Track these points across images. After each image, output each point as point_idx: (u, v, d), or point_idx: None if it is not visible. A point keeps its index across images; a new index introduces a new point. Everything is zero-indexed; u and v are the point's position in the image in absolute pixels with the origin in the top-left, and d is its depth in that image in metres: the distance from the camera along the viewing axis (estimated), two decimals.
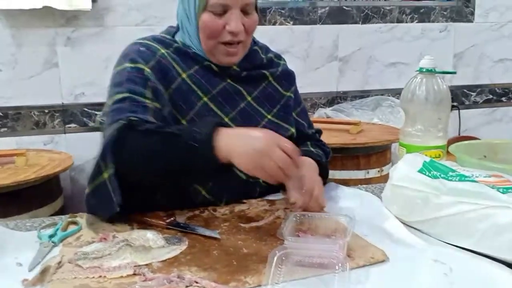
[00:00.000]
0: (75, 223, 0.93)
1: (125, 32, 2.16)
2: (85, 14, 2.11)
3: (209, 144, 0.82)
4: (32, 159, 1.84)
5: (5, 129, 2.14)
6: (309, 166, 0.99)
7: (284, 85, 1.16)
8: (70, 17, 2.12)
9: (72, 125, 2.19)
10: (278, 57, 1.20)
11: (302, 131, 1.17)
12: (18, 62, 2.11)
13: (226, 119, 1.04)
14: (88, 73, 2.12)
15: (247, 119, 1.07)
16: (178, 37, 1.08)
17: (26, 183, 1.61)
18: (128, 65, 0.99)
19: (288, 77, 1.18)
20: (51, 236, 0.86)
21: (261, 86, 1.12)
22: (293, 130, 1.13)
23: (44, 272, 0.73)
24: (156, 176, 0.90)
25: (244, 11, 0.98)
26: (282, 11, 2.41)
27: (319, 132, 1.25)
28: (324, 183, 1.10)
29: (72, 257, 0.78)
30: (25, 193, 1.65)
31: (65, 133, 2.19)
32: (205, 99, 1.03)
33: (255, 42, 1.15)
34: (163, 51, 1.03)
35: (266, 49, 1.18)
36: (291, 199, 0.91)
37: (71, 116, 2.18)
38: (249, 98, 1.09)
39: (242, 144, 0.81)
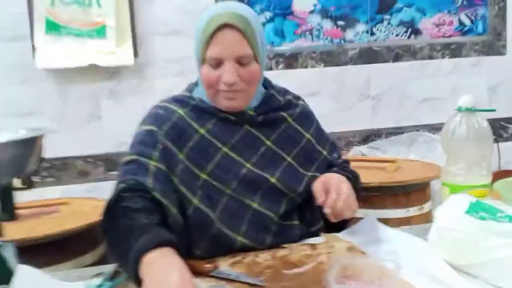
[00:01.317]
0: (120, 272, 0.95)
1: (164, 83, 2.25)
2: (127, 68, 2.23)
3: (134, 270, 0.80)
4: (76, 207, 1.89)
5: (51, 179, 2.23)
6: (336, 176, 1.04)
7: (304, 126, 1.17)
8: (113, 72, 2.23)
9: (115, 172, 2.26)
10: (297, 98, 1.22)
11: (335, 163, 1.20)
12: (64, 116, 2.22)
13: (249, 165, 1.07)
14: (130, 123, 2.18)
15: (268, 163, 1.09)
16: (196, 93, 1.14)
17: (71, 231, 1.66)
18: (143, 128, 1.07)
19: (308, 117, 1.20)
20: (99, 286, 0.88)
21: (280, 129, 1.13)
22: (309, 174, 1.13)
23: None
24: (108, 244, 0.94)
25: (240, 63, 1.03)
26: (313, 54, 2.46)
27: (346, 162, 1.25)
28: (358, 198, 1.10)
29: None
30: (70, 241, 1.69)
31: (107, 180, 2.26)
32: (225, 149, 1.06)
33: (272, 87, 1.17)
34: (180, 111, 1.09)
35: (284, 92, 1.20)
36: (319, 200, 0.92)
37: (114, 165, 2.26)
38: (268, 142, 1.11)
39: (156, 280, 0.76)
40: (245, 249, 1.02)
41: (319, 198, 0.93)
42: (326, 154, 1.19)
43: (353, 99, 2.54)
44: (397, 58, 2.57)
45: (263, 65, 1.08)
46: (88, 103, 2.24)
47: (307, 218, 1.12)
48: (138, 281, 0.80)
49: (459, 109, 1.08)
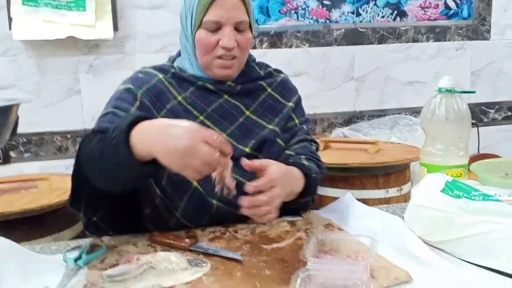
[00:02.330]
0: (99, 245, 0.95)
1: (145, 59, 2.21)
2: (106, 42, 2.18)
3: (123, 140, 0.79)
4: (55, 184, 1.87)
5: (29, 154, 2.19)
6: (284, 167, 0.93)
7: (285, 96, 1.17)
8: (92, 46, 2.18)
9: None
10: (278, 71, 1.22)
11: (302, 138, 1.15)
12: (42, 90, 2.17)
13: (224, 135, 1.06)
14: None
15: (247, 133, 1.09)
16: (176, 63, 1.14)
17: (50, 207, 1.64)
18: (122, 87, 1.07)
19: (289, 89, 1.19)
20: (76, 259, 0.88)
21: (260, 98, 1.13)
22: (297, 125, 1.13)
23: None
24: (101, 176, 0.89)
25: (237, 29, 1.03)
26: (298, 34, 2.44)
27: (316, 144, 1.20)
28: (313, 200, 1.09)
29: (98, 280, 0.79)
30: (49, 216, 1.67)
31: None
32: (201, 117, 1.07)
33: (253, 60, 1.18)
34: (160, 76, 1.09)
35: (266, 66, 1.20)
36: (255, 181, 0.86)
37: None
38: (247, 112, 1.11)
39: (164, 143, 0.77)
40: (220, 212, 1.02)
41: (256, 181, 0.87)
42: (298, 123, 1.17)
43: (337, 80, 2.54)
44: (382, 40, 2.57)
45: (253, 34, 1.09)
46: (66, 77, 2.19)
47: None
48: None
49: (440, 90, 1.09)
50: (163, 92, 1.06)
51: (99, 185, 0.91)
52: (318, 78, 2.50)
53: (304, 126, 1.18)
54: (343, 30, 2.50)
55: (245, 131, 1.09)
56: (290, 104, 1.17)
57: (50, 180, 1.85)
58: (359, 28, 2.53)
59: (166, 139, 0.77)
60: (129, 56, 2.23)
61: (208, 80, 1.10)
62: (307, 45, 2.46)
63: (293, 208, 1.04)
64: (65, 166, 2.22)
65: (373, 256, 0.77)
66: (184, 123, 0.79)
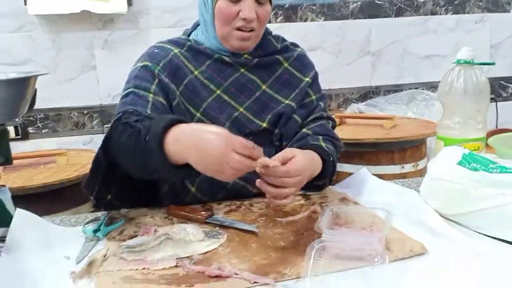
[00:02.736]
0: (117, 218, 0.96)
1: (160, 34, 2.19)
2: (121, 17, 2.17)
3: (158, 145, 0.81)
4: (73, 159, 1.90)
5: (46, 130, 2.23)
6: (306, 154, 0.95)
7: (302, 71, 1.16)
8: (107, 21, 2.18)
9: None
10: (295, 45, 1.20)
11: (319, 115, 1.14)
12: (58, 65, 2.19)
13: (241, 109, 1.07)
14: (124, 74, 2.16)
15: (263, 107, 1.09)
16: (192, 36, 1.13)
17: (68, 181, 1.67)
18: (139, 64, 1.06)
19: (306, 64, 1.18)
20: (95, 231, 0.90)
21: (276, 73, 1.13)
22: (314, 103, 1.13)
23: (90, 264, 0.76)
24: (134, 169, 0.91)
25: (258, 1, 1.02)
26: (313, 7, 2.40)
27: (333, 122, 1.19)
28: (330, 182, 1.09)
29: (117, 250, 0.81)
30: (68, 190, 1.71)
31: (103, 133, 2.25)
32: (218, 91, 1.07)
33: (269, 33, 1.17)
34: (176, 51, 1.08)
35: (282, 39, 1.19)
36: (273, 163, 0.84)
37: (109, 117, 2.25)
38: (264, 86, 1.11)
39: (196, 150, 0.80)
40: (236, 188, 1.04)
41: (271, 163, 0.85)
42: (314, 99, 1.16)
43: (353, 55, 2.51)
44: (399, 12, 2.51)
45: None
46: (82, 53, 2.20)
47: None
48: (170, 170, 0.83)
49: (458, 62, 1.06)
50: (179, 67, 1.06)
51: (132, 174, 0.93)
52: (334, 53, 2.47)
53: (321, 103, 1.17)
54: (359, 3, 2.45)
55: (261, 105, 1.09)
56: (307, 79, 1.16)
57: (68, 155, 1.88)
58: (376, 1, 2.47)
59: (199, 147, 0.80)
60: (143, 31, 2.22)
61: (225, 52, 1.09)
62: (322, 18, 2.42)
63: (308, 189, 1.05)
64: (82, 141, 2.26)
65: (388, 228, 0.77)
66: (215, 130, 0.80)
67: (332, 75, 2.47)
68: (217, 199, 1.04)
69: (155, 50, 1.08)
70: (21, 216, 0.87)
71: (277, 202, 0.90)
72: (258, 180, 0.88)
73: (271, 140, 1.10)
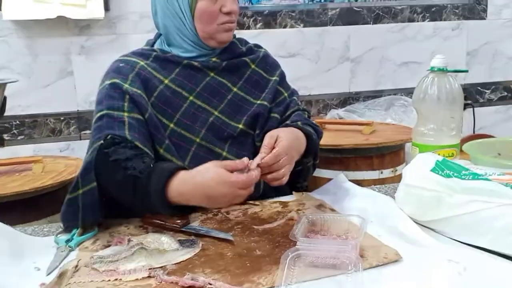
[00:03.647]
0: (90, 227, 0.95)
1: (138, 40, 2.17)
2: (98, 22, 2.15)
3: (162, 195, 0.87)
4: (49, 166, 1.86)
5: (22, 136, 2.18)
6: (287, 130, 0.99)
7: (268, 71, 1.19)
8: (84, 26, 2.16)
9: (88, 131, 2.22)
10: (258, 46, 1.24)
11: (295, 109, 1.18)
12: (34, 72, 2.15)
13: (216, 112, 1.08)
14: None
15: (237, 110, 1.10)
16: (157, 46, 1.14)
17: (43, 189, 1.64)
18: (107, 82, 1.04)
19: (271, 64, 1.21)
20: (67, 241, 0.88)
21: (245, 75, 1.15)
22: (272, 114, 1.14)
23: (61, 276, 0.75)
24: (127, 204, 0.95)
25: None
26: (292, 13, 2.41)
27: (308, 112, 1.23)
28: (314, 166, 1.14)
29: (89, 261, 0.79)
30: (43, 199, 1.67)
31: (80, 139, 2.22)
32: (191, 98, 1.08)
33: (233, 36, 1.18)
34: (142, 63, 1.08)
35: (245, 41, 1.23)
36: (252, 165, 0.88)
37: (86, 123, 2.22)
38: (234, 89, 1.13)
39: (205, 199, 0.86)
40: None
41: (261, 151, 0.91)
42: (287, 96, 1.19)
43: (333, 61, 2.52)
44: (377, 19, 2.54)
45: None
46: (58, 59, 2.16)
47: None
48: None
49: (432, 69, 1.08)
50: (148, 79, 1.05)
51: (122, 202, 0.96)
52: (313, 59, 2.48)
53: (295, 98, 1.20)
54: (338, 10, 2.47)
55: (235, 108, 1.11)
56: (274, 78, 1.19)
57: (44, 162, 1.84)
58: (354, 8, 2.50)
59: (207, 195, 0.86)
60: (121, 37, 2.20)
61: (192, 58, 1.10)
62: (301, 25, 2.44)
63: (298, 170, 1.07)
64: (58, 148, 2.22)
65: (362, 236, 0.77)
66: (214, 177, 0.84)
67: (311, 82, 2.48)
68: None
69: (120, 65, 1.07)
70: None
71: (276, 183, 0.93)
72: None
73: (252, 141, 1.11)
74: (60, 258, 0.82)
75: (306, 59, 2.46)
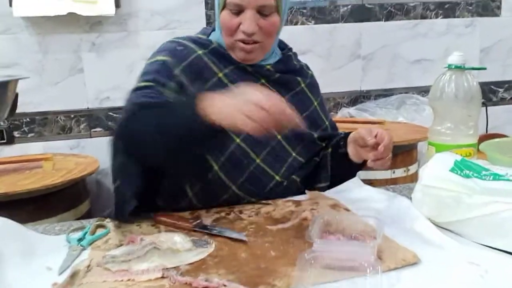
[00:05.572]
0: (103, 226, 0.94)
1: (148, 37, 2.18)
2: (108, 19, 2.14)
3: (192, 105, 0.79)
4: (59, 164, 1.87)
5: (32, 134, 2.18)
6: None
7: (314, 94, 1.19)
8: (94, 23, 2.15)
9: (98, 129, 2.22)
10: (307, 67, 1.23)
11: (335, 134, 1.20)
12: (44, 69, 2.15)
13: None
14: (112, 77, 2.15)
15: None
16: (212, 37, 1.09)
17: (54, 187, 1.64)
18: (160, 58, 1.01)
19: (316, 87, 1.22)
20: (79, 240, 0.87)
21: (293, 91, 1.13)
22: (315, 136, 1.14)
23: (73, 276, 0.74)
24: (162, 148, 0.85)
25: (261, 13, 0.99)
26: (304, 10, 2.39)
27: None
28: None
29: (101, 260, 0.78)
30: (53, 197, 1.67)
31: (91, 137, 2.22)
32: None
33: (289, 49, 1.17)
34: (199, 52, 1.04)
35: (298, 59, 1.21)
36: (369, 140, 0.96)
37: (97, 120, 2.22)
38: None
39: (220, 102, 0.78)
40: (234, 200, 1.03)
41: (368, 137, 0.97)
42: (328, 125, 1.20)
43: (344, 58, 2.50)
44: (389, 16, 2.51)
45: (284, 17, 1.05)
46: (69, 56, 2.16)
47: (310, 181, 1.13)
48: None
49: (449, 67, 1.06)
50: (202, 70, 1.03)
51: (151, 156, 0.88)
52: (324, 57, 2.46)
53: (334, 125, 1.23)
54: (349, 7, 2.44)
55: None
56: (317, 101, 1.18)
57: (54, 160, 1.85)
58: (366, 4, 2.47)
59: (223, 99, 0.79)
60: (132, 34, 2.19)
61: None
62: (312, 22, 2.41)
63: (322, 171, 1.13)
64: (68, 146, 2.22)
65: (380, 237, 0.75)
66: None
67: (322, 79, 2.41)
68: (210, 206, 1.02)
69: (178, 48, 1.04)
70: (2, 225, 0.85)
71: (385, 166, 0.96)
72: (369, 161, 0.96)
73: (287, 156, 1.09)
74: (72, 258, 0.81)
75: (317, 56, 2.43)
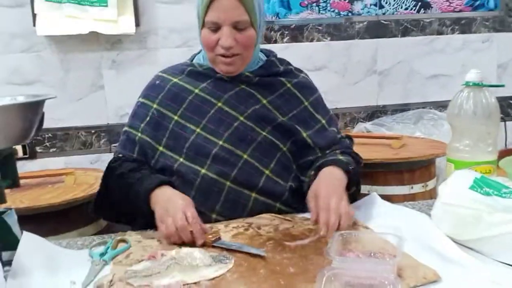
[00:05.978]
0: (124, 241, 0.95)
1: (167, 54, 2.23)
2: (128, 37, 2.20)
3: (145, 198, 1.00)
4: (80, 178, 1.90)
5: (54, 149, 2.23)
6: (324, 177, 1.01)
7: (304, 94, 1.19)
8: (115, 41, 2.20)
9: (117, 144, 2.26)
10: (299, 70, 1.25)
11: (334, 138, 1.19)
12: (66, 86, 2.20)
13: (241, 118, 1.11)
14: (132, 94, 2.16)
15: (261, 119, 1.12)
16: (196, 59, 1.21)
17: (75, 201, 1.66)
18: (140, 99, 1.18)
19: (309, 88, 1.21)
20: (102, 255, 0.89)
21: (278, 92, 1.17)
22: (304, 134, 1.14)
23: None
24: (122, 202, 1.07)
25: (237, 28, 1.06)
26: (319, 27, 2.42)
27: (350, 139, 1.26)
28: (358, 191, 1.12)
29: (123, 275, 0.80)
30: (74, 211, 1.70)
31: (110, 152, 2.26)
32: (219, 104, 1.12)
33: (274, 56, 1.21)
34: (175, 80, 1.16)
35: (287, 63, 1.23)
36: (312, 218, 0.95)
37: (117, 136, 2.25)
38: (264, 101, 1.15)
39: (161, 206, 0.97)
40: (232, 195, 1.07)
41: (312, 216, 0.96)
42: (325, 123, 1.19)
43: (360, 74, 2.50)
44: (405, 32, 2.52)
45: (259, 30, 1.12)
46: (90, 73, 2.21)
47: (299, 178, 1.15)
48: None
49: (467, 84, 1.06)
50: (178, 95, 1.14)
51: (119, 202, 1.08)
52: (340, 72, 2.47)
53: (334, 129, 1.21)
54: (365, 23, 2.46)
55: (261, 116, 1.12)
56: (309, 101, 1.18)
57: (75, 174, 1.88)
58: (381, 21, 2.48)
59: (167, 206, 0.97)
60: (151, 51, 2.24)
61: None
62: (328, 38, 2.43)
63: None
64: (89, 161, 2.26)
65: (400, 255, 0.75)
66: (181, 201, 0.97)
67: (338, 95, 2.46)
68: (211, 207, 1.07)
69: (157, 82, 1.18)
70: (27, 240, 0.87)
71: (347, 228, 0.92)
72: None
73: (276, 151, 1.12)
74: (95, 272, 0.83)
75: (333, 72, 2.45)
